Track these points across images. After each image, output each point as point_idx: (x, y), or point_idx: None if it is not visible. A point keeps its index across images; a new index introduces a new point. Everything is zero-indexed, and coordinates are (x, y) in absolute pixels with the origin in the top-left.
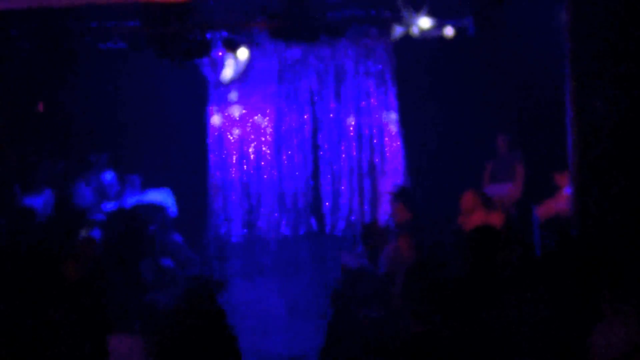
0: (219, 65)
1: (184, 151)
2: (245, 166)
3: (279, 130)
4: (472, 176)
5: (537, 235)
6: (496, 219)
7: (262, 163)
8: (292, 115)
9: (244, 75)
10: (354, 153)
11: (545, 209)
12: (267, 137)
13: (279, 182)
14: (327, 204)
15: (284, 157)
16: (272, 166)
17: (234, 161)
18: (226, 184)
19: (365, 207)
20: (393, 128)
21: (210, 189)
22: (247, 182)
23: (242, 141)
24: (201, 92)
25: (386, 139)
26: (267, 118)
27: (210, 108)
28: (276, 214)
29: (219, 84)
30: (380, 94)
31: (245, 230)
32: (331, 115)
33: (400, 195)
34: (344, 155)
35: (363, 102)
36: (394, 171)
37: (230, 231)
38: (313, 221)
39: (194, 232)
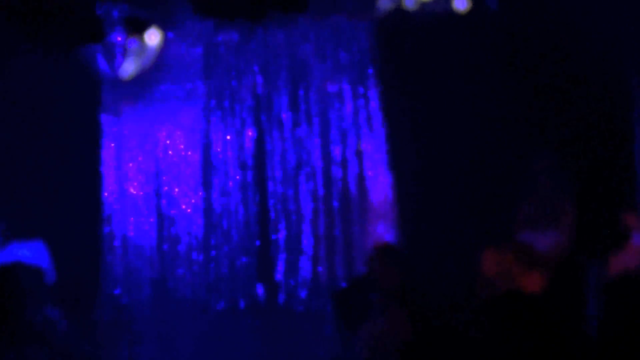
0: (117, 55)
1: (64, 184)
2: (157, 207)
3: (208, 154)
4: (498, 220)
5: (595, 304)
6: (535, 282)
7: (183, 205)
8: (226, 130)
9: (155, 70)
10: (320, 187)
11: (607, 266)
12: (190, 163)
13: (207, 230)
14: (280, 262)
15: (215, 193)
16: (197, 206)
17: (140, 200)
18: (128, 233)
19: (338, 267)
20: (377, 149)
21: (104, 240)
22: (160, 230)
23: (152, 170)
24: (90, 94)
25: (367, 166)
26: (190, 135)
27: (105, 118)
28: (203, 278)
29: (118, 82)
30: (359, 99)
31: (157, 302)
32: (285, 130)
33: (387, 250)
34: (304, 190)
35: (332, 111)
36: (378, 214)
37: (134, 304)
38: (259, 288)
39: (79, 304)
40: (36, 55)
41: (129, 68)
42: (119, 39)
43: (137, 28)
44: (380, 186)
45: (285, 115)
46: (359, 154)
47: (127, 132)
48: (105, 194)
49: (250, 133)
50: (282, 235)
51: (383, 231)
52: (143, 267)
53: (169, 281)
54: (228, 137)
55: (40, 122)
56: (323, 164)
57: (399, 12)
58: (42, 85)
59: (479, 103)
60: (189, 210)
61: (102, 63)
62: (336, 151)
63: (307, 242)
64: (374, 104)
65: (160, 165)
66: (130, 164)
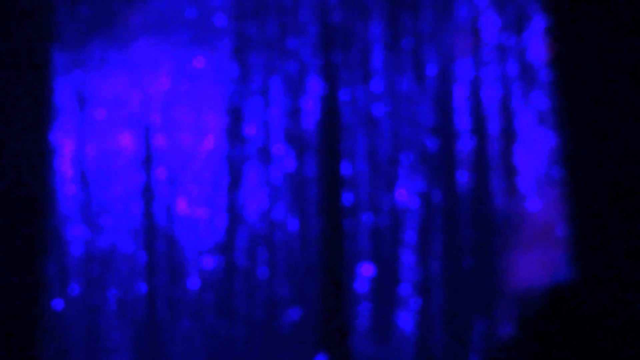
0: None
1: None
2: (146, 214)
3: (237, 123)
4: None
5: None
6: None
7: (190, 211)
8: (272, 82)
9: None
10: (434, 187)
11: None
12: (208, 148)
13: (232, 254)
14: (361, 315)
15: (247, 192)
16: (216, 214)
17: (117, 200)
18: (92, 256)
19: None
20: (535, 129)
21: (48, 272)
22: (150, 252)
23: (139, 150)
24: (36, 14)
25: (518, 157)
26: (207, 89)
27: (58, 57)
28: (227, 340)
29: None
30: (509, 38)
31: None
32: (375, 86)
33: (552, 299)
34: (405, 190)
35: (459, 59)
36: (536, 238)
37: None
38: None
39: None
40: None
41: None
42: None
43: None
44: (541, 191)
45: (377, 61)
46: (505, 136)
47: (96, 81)
48: (53, 187)
49: (314, 88)
50: (365, 269)
51: (545, 267)
52: (117, 315)
53: (163, 344)
54: (274, 95)
55: None
56: (440, 147)
57: None
58: None
59: None
60: (201, 221)
61: None
62: (463, 126)
63: (408, 281)
64: (536, 50)
65: (153, 142)
66: (100, 138)
